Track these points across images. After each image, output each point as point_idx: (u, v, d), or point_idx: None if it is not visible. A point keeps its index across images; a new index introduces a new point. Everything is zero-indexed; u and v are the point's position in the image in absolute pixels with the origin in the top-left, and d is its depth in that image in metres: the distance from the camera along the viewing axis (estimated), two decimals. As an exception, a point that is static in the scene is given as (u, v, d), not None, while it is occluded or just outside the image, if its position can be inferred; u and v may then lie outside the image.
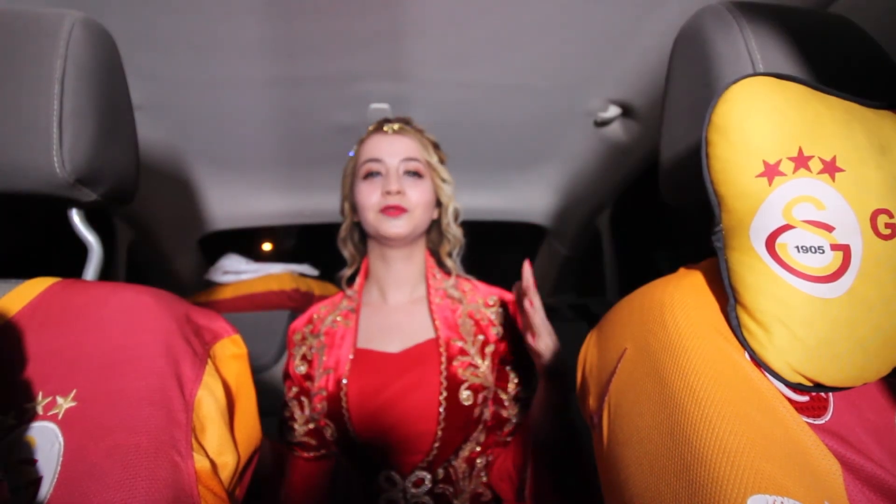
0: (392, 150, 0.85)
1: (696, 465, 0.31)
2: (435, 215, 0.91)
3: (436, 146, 0.91)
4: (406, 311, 0.88)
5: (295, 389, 0.87)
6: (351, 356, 0.81)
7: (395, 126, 0.88)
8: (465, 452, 0.82)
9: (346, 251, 0.95)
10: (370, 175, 0.85)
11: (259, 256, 1.67)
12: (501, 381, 0.86)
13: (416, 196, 0.84)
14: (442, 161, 0.91)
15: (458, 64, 0.97)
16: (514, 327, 0.88)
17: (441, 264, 0.96)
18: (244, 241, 1.72)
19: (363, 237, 0.95)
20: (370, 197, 0.83)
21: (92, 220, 0.56)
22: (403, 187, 0.83)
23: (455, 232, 0.92)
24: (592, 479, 0.74)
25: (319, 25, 0.86)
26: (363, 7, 0.82)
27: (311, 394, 0.83)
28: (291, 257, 1.68)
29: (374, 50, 0.93)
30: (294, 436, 0.86)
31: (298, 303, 1.52)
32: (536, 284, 0.74)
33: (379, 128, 0.89)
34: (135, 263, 1.41)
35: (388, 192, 0.82)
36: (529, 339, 0.73)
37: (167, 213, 1.41)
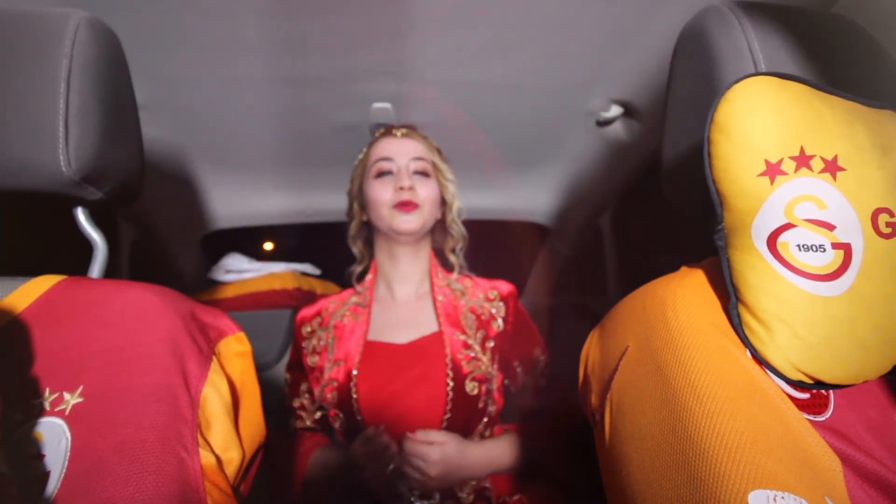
0: (402, 150, 0.91)
1: (698, 460, 0.31)
2: (439, 214, 0.95)
3: (438, 151, 0.97)
4: (412, 305, 0.92)
5: (305, 382, 0.90)
6: (360, 348, 0.84)
7: (403, 130, 0.95)
8: None
9: (356, 248, 0.99)
10: (382, 174, 0.89)
11: (261, 255, 1.68)
12: (503, 372, 0.89)
13: (425, 192, 0.89)
14: (444, 162, 0.96)
15: (460, 63, 0.98)
16: (514, 320, 0.92)
17: (444, 263, 0.98)
18: (246, 240, 1.72)
19: (370, 236, 0.98)
20: (383, 194, 0.88)
21: (95, 218, 0.57)
22: (414, 184, 0.88)
23: (459, 228, 0.97)
24: (594, 476, 0.76)
25: (322, 25, 0.86)
26: (365, 7, 0.82)
27: (321, 384, 0.86)
28: (293, 256, 1.69)
29: (376, 49, 0.93)
30: (303, 423, 0.90)
31: (300, 301, 1.52)
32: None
33: (387, 132, 0.95)
34: (137, 262, 1.41)
35: (402, 188, 0.86)
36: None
37: (170, 212, 1.42)
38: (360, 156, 0.97)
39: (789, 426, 0.33)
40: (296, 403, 0.91)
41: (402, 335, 0.86)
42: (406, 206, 0.86)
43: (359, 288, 0.95)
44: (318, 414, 0.89)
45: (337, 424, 0.84)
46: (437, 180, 0.93)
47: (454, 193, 0.95)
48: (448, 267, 0.98)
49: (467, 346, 0.84)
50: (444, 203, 0.95)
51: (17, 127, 0.45)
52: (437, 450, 0.74)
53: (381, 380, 0.81)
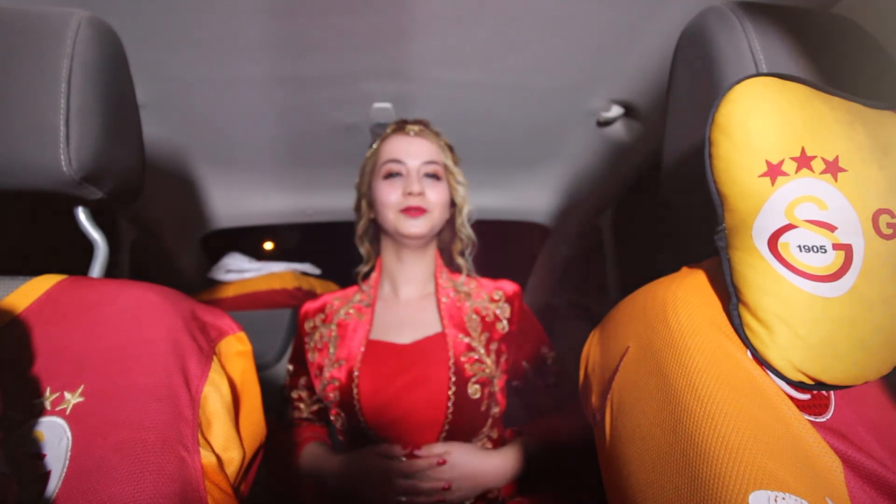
0: (413, 151, 0.88)
1: (699, 461, 0.31)
2: (448, 216, 0.93)
3: (450, 149, 0.94)
4: (417, 305, 0.91)
5: (306, 376, 0.91)
6: (363, 348, 0.84)
7: (416, 128, 0.91)
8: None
9: (363, 248, 0.98)
10: (391, 175, 0.87)
11: (261, 255, 1.68)
12: (509, 373, 0.89)
13: (435, 197, 0.87)
14: (455, 163, 0.94)
15: (460, 64, 0.98)
16: (519, 320, 0.91)
17: (449, 263, 0.98)
18: (247, 240, 1.73)
19: (377, 234, 0.97)
20: (390, 196, 0.86)
21: (95, 218, 0.57)
22: (423, 188, 0.86)
23: (468, 232, 0.95)
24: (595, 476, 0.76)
25: (322, 25, 0.86)
26: (366, 6, 0.82)
27: (322, 383, 0.86)
28: (293, 256, 1.69)
29: (376, 49, 0.93)
30: (300, 413, 0.91)
31: (300, 301, 1.52)
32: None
33: (400, 129, 0.91)
34: (138, 262, 1.41)
35: (410, 193, 0.85)
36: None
37: (170, 212, 1.42)
38: (370, 150, 0.94)
39: (790, 427, 0.33)
40: (294, 395, 0.92)
41: (404, 335, 0.86)
42: (413, 211, 0.85)
43: (363, 287, 0.95)
44: (316, 406, 0.90)
45: (339, 424, 0.84)
46: (447, 183, 0.90)
47: (464, 196, 0.93)
48: (454, 268, 0.97)
49: (471, 349, 0.83)
50: (453, 205, 0.94)
51: (17, 126, 0.45)
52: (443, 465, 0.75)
53: (383, 380, 0.80)
